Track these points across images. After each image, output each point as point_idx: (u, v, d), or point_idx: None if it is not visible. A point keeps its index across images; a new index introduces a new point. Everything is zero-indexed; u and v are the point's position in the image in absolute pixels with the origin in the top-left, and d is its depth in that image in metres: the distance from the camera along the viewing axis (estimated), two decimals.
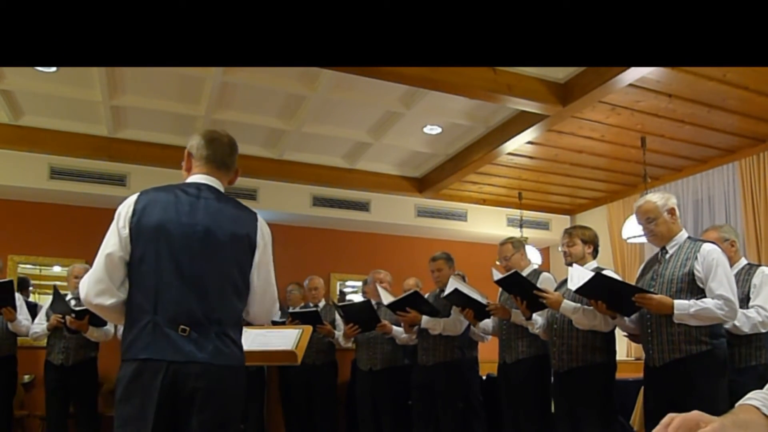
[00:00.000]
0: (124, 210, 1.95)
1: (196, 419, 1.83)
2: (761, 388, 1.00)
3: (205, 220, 1.95)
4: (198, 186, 2.05)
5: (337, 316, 5.26)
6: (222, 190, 2.10)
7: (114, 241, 1.92)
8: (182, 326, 1.85)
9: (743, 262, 3.40)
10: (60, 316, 4.36)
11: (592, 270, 3.39)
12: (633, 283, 3.19)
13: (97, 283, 1.91)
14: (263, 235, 2.05)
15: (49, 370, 4.53)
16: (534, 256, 6.49)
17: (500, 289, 4.09)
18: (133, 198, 1.98)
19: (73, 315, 4.22)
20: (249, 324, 2.90)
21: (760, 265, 3.36)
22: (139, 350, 1.85)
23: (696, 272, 2.81)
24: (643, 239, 5.12)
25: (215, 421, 1.85)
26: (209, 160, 2.09)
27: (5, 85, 4.63)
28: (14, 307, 4.45)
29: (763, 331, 3.10)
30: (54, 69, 4.39)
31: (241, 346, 1.99)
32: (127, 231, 1.92)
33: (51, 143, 5.40)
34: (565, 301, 3.31)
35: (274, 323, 5.38)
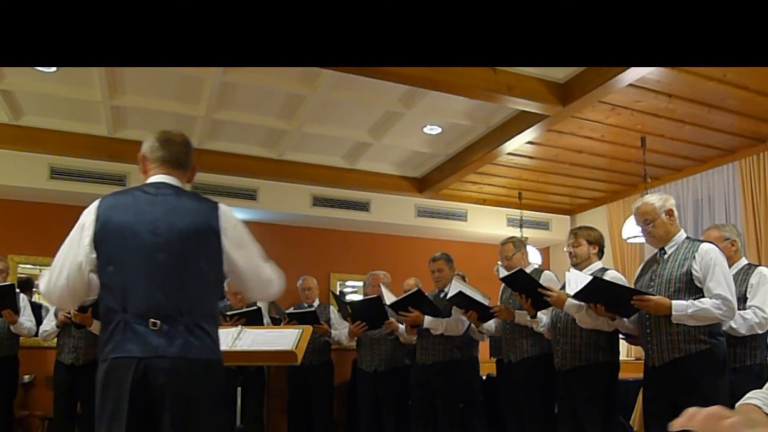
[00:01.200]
0: (87, 219, 1.99)
1: (167, 414, 1.84)
2: (757, 387, 1.00)
3: (166, 215, 1.98)
4: (156, 185, 2.07)
5: (332, 315, 5.25)
6: (182, 186, 2.13)
7: (74, 249, 1.96)
8: (152, 320, 1.87)
9: (743, 261, 3.39)
10: (66, 311, 4.36)
11: (597, 270, 3.40)
12: (632, 283, 3.20)
13: (57, 291, 1.98)
14: (227, 220, 2.06)
15: (60, 370, 4.52)
16: (534, 256, 6.50)
17: (501, 289, 4.09)
18: (95, 205, 2.02)
19: (76, 308, 4.22)
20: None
21: (759, 265, 3.36)
22: (110, 350, 1.89)
23: (694, 272, 2.82)
24: (643, 239, 5.13)
25: (187, 416, 1.86)
26: (164, 161, 2.11)
27: (5, 85, 4.63)
28: (16, 309, 4.44)
29: (760, 332, 3.09)
30: (54, 69, 4.39)
31: (215, 339, 1.99)
32: (89, 238, 1.95)
33: (51, 143, 5.40)
34: (569, 299, 3.31)
35: (273, 321, 5.41)
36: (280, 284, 2.25)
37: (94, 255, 1.95)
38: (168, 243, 1.94)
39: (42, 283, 2.01)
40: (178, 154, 2.13)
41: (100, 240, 1.95)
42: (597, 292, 3.00)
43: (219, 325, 2.06)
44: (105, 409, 1.88)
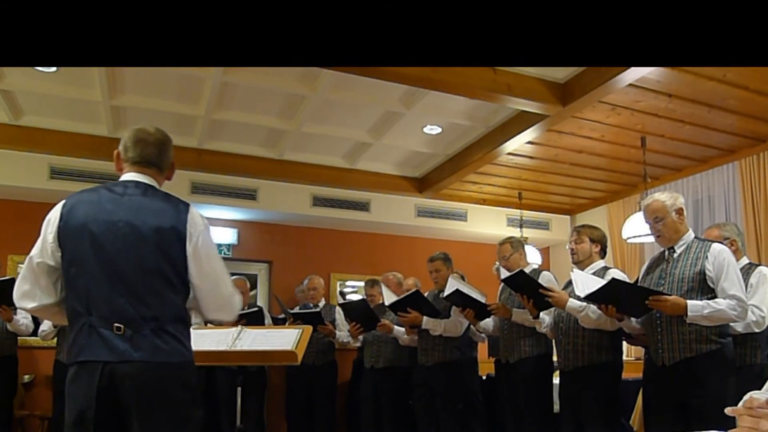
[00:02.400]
0: (53, 215, 1.96)
1: (135, 420, 1.81)
2: (757, 388, 1.00)
3: (128, 215, 1.92)
4: (125, 184, 2.03)
5: (337, 316, 5.26)
6: (154, 184, 2.06)
7: (39, 246, 1.94)
8: (116, 324, 1.83)
9: (744, 261, 3.39)
10: None
11: (599, 269, 3.40)
12: (635, 281, 3.19)
13: (19, 288, 1.95)
14: (195, 226, 1.97)
15: (59, 369, 4.53)
16: (534, 256, 6.50)
17: (500, 288, 4.09)
18: (61, 203, 1.99)
19: None
20: (209, 323, 2.91)
21: (759, 265, 3.36)
22: (77, 353, 1.86)
23: (707, 272, 2.82)
24: (644, 239, 5.13)
25: (156, 421, 1.83)
26: (135, 162, 2.06)
27: (5, 85, 4.63)
28: (12, 306, 4.42)
29: (757, 330, 3.09)
30: (54, 69, 4.38)
31: (184, 342, 1.93)
32: (53, 235, 1.92)
33: (51, 143, 5.39)
34: (571, 299, 3.31)
35: (275, 321, 5.41)
36: (238, 305, 2.12)
37: (60, 253, 1.92)
38: (128, 247, 1.89)
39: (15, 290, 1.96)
40: (148, 155, 2.07)
41: (63, 239, 1.91)
42: (612, 293, 2.98)
43: (190, 325, 1.99)
44: (72, 413, 1.85)
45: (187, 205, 2.02)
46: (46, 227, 1.95)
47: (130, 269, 1.89)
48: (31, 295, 1.93)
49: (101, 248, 1.89)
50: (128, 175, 2.06)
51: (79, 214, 1.93)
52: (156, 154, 2.08)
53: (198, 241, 1.97)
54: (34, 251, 1.94)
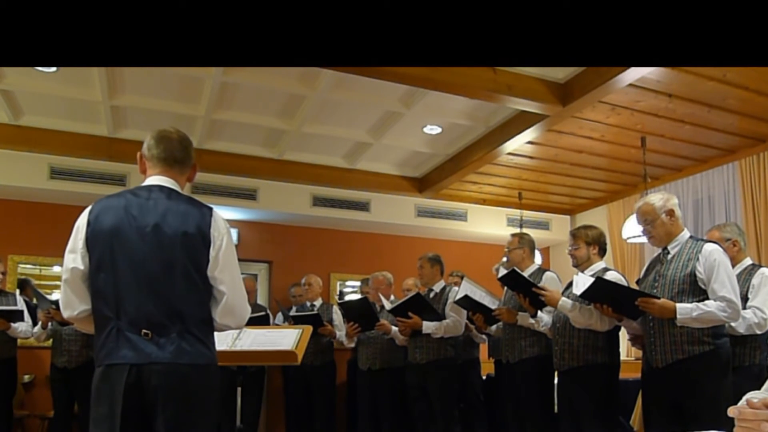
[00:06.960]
0: (80, 222, 1.99)
1: (160, 418, 1.85)
2: (756, 388, 1.00)
3: (155, 219, 1.95)
4: (149, 188, 2.05)
5: (335, 316, 5.26)
6: (177, 188, 2.09)
7: (70, 254, 1.98)
8: (144, 330, 1.87)
9: (747, 261, 3.37)
10: (46, 311, 4.34)
11: (599, 271, 3.39)
12: (635, 283, 3.19)
13: (61, 298, 2.01)
14: (219, 230, 2.00)
15: (54, 372, 4.55)
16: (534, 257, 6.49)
17: (504, 290, 4.09)
18: (88, 209, 2.01)
19: (54, 306, 4.21)
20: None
21: (762, 266, 3.33)
22: (105, 356, 1.89)
23: (698, 273, 2.80)
24: (643, 239, 5.12)
25: (179, 420, 1.86)
26: (160, 159, 2.09)
27: (5, 85, 4.63)
28: (12, 320, 4.40)
29: (759, 332, 3.08)
30: (54, 69, 4.39)
31: (208, 344, 1.97)
32: (82, 242, 1.95)
33: (51, 143, 5.40)
34: (563, 298, 3.31)
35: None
36: (246, 315, 2.10)
37: (88, 258, 1.95)
38: (156, 250, 1.92)
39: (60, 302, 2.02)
40: (173, 151, 2.10)
41: (91, 245, 1.95)
42: (601, 292, 2.99)
43: (213, 327, 2.01)
44: (98, 412, 1.88)
45: (210, 209, 2.05)
46: (75, 234, 1.98)
47: (158, 273, 1.91)
48: (70, 304, 1.97)
49: (130, 253, 1.92)
50: (151, 179, 2.08)
51: (106, 219, 1.96)
52: (180, 150, 2.12)
53: (222, 245, 1.99)
54: (67, 259, 1.98)
